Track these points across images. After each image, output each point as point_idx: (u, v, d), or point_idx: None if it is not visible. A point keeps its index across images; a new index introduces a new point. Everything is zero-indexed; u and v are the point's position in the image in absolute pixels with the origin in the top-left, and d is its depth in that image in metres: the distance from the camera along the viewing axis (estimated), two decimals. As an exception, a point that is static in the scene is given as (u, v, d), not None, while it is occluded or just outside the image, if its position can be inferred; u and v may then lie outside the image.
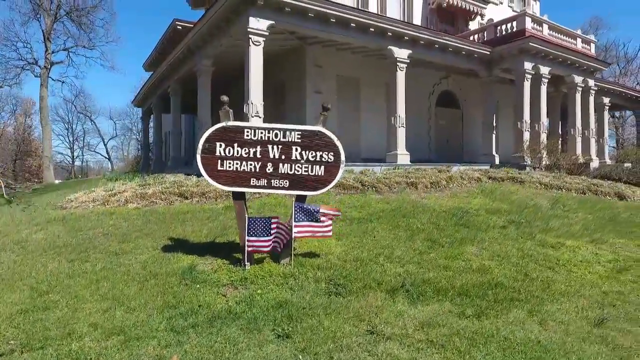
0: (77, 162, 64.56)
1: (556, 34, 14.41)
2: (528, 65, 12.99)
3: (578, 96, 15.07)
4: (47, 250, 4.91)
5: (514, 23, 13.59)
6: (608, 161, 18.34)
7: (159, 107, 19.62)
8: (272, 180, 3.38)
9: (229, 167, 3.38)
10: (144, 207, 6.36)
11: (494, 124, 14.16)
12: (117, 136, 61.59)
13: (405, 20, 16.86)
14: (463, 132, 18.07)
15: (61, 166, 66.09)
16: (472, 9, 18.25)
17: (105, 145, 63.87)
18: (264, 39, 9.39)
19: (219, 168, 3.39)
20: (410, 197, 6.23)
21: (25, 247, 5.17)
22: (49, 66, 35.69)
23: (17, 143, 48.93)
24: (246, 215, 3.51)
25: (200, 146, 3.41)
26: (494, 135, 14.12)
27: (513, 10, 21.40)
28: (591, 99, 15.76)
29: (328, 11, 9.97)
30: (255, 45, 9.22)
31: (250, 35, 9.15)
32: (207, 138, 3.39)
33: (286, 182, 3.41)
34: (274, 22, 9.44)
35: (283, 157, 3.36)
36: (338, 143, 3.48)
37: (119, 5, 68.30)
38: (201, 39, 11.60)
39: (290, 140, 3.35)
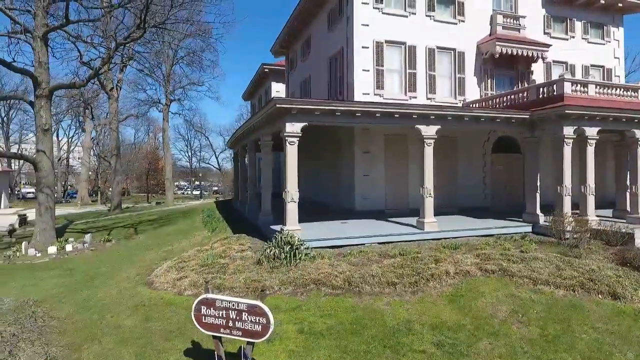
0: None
1: (608, 91, 13.95)
2: (568, 130, 13.00)
3: (640, 151, 14.27)
4: None
5: (555, 87, 13.64)
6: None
7: (243, 152, 23.18)
8: (232, 330, 5.60)
9: (209, 320, 5.71)
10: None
11: (538, 183, 14.25)
12: (225, 149, 70.35)
13: (458, 75, 17.68)
14: (525, 177, 17.99)
15: (182, 169, 78.57)
16: (531, 54, 18.05)
17: (216, 157, 73.56)
18: (298, 138, 11.62)
19: (203, 321, 5.76)
20: (380, 303, 7.86)
21: None
22: (169, 103, 42.82)
23: (147, 161, 58.90)
24: (221, 347, 5.80)
25: (193, 307, 5.83)
26: (538, 195, 14.23)
27: (588, 42, 20.35)
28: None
29: (352, 108, 11.83)
30: (291, 145, 11.53)
31: (286, 137, 11.49)
32: (197, 302, 5.78)
33: (239, 332, 5.59)
34: (307, 123, 11.64)
35: (237, 317, 5.56)
36: (269, 313, 5.50)
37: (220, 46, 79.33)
38: (258, 124, 14.30)
39: (241, 309, 5.52)
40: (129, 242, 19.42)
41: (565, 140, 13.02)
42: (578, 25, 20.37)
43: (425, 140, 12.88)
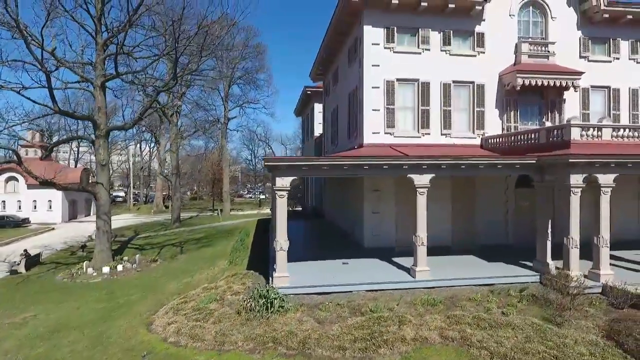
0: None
1: (627, 133, 12.78)
2: (576, 179, 12.19)
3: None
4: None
5: (562, 131, 12.87)
6: None
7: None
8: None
9: None
10: None
11: (549, 230, 13.47)
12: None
13: (477, 109, 17.26)
14: (537, 223, 17.06)
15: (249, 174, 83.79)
16: (559, 84, 16.90)
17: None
18: (288, 191, 12.49)
19: None
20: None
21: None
22: (227, 121, 46.06)
23: (212, 171, 63.46)
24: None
25: None
26: (549, 242, 13.47)
27: (637, 62, 18.53)
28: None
29: (338, 162, 12.40)
30: (280, 197, 12.44)
31: (276, 191, 12.44)
32: None
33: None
34: (295, 177, 12.50)
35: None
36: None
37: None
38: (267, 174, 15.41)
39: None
40: (170, 263, 21.80)
41: (572, 189, 12.27)
42: (624, 44, 18.48)
43: (417, 189, 12.98)
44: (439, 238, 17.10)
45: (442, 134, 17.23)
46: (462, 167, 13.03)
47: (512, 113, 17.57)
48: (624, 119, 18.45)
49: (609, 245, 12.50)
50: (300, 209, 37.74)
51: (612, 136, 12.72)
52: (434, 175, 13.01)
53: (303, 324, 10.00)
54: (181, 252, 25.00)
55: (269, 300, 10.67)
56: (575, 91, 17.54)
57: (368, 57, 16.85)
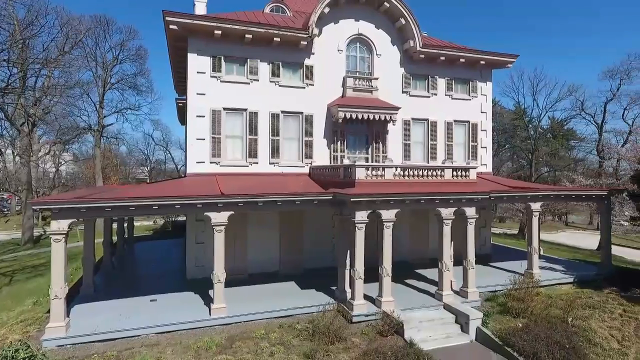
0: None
1: (410, 172, 14.17)
2: (361, 215, 13.14)
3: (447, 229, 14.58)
4: None
5: (350, 171, 13.85)
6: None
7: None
8: None
9: None
10: None
11: (347, 261, 14.38)
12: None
13: (305, 138, 17.85)
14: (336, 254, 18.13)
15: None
16: (378, 117, 18.23)
17: (178, 171, 73.41)
18: (64, 235, 11.70)
19: None
20: None
21: None
22: (101, 129, 42.63)
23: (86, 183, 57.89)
24: None
25: None
26: (347, 271, 14.34)
27: (452, 99, 20.77)
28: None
29: (123, 204, 11.95)
30: (56, 242, 11.61)
31: (50, 235, 11.59)
32: None
33: None
34: (75, 219, 11.77)
35: None
36: None
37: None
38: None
39: None
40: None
41: (357, 225, 13.22)
42: (441, 82, 20.65)
43: (214, 227, 13.02)
44: (267, 265, 17.60)
45: (270, 163, 17.63)
46: (260, 204, 13.38)
47: (338, 143, 18.60)
48: (440, 149, 20.62)
49: (390, 274, 13.73)
50: (170, 228, 36.22)
51: (394, 175, 13.98)
52: (232, 212, 13.16)
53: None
54: (10, 283, 22.41)
55: (14, 361, 9.83)
56: (394, 125, 19.12)
57: (193, 85, 16.61)
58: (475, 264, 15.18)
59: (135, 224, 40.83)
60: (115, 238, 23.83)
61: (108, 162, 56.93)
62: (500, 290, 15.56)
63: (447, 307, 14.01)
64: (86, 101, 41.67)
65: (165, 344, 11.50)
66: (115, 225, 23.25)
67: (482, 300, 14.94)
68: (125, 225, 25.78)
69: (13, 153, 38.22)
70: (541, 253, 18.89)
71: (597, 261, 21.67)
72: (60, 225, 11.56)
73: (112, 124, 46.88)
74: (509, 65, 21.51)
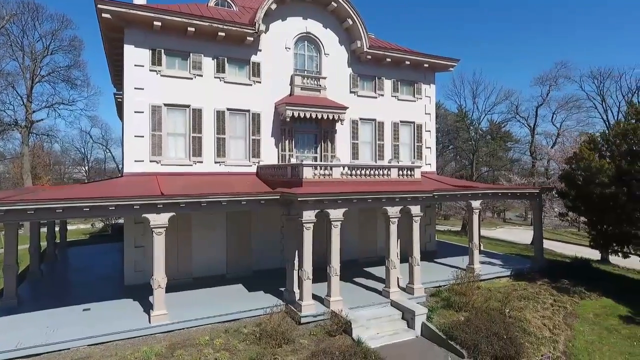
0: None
1: (357, 172, 14.23)
2: (309, 215, 12.96)
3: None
4: None
5: (298, 170, 13.67)
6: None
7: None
8: None
9: None
10: None
11: (295, 261, 14.14)
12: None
13: (252, 137, 17.35)
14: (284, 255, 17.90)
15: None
16: (326, 117, 18.19)
17: (120, 171, 69.13)
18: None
19: None
20: None
21: None
22: (29, 125, 39.15)
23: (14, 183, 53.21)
24: None
25: None
26: (295, 272, 14.09)
27: (398, 100, 21.11)
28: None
29: (51, 205, 10.89)
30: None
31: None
32: None
33: None
34: (-8, 223, 10.52)
35: None
36: None
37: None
38: None
39: None
40: None
41: (304, 224, 13.03)
42: (387, 83, 21.05)
43: (153, 229, 12.25)
44: (214, 267, 16.94)
45: (216, 162, 16.99)
46: (203, 204, 12.80)
47: (287, 142, 18.33)
48: (387, 149, 21.01)
49: (338, 273, 13.68)
50: (110, 231, 34.05)
51: (342, 174, 13.97)
52: (173, 214, 12.46)
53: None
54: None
55: None
56: (342, 124, 19.19)
57: (130, 80, 15.59)
58: (421, 260, 15.59)
59: (70, 227, 37.95)
60: (44, 243, 21.91)
61: (39, 160, 52.40)
62: (444, 286, 16.10)
63: (394, 304, 14.23)
64: (11, 94, 38.03)
65: (98, 356, 10.62)
66: (45, 229, 21.33)
67: (428, 295, 15.37)
68: (57, 229, 23.81)
69: None
70: (481, 248, 19.91)
71: (531, 255, 23.22)
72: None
73: (42, 119, 43.07)
74: (451, 69, 22.39)
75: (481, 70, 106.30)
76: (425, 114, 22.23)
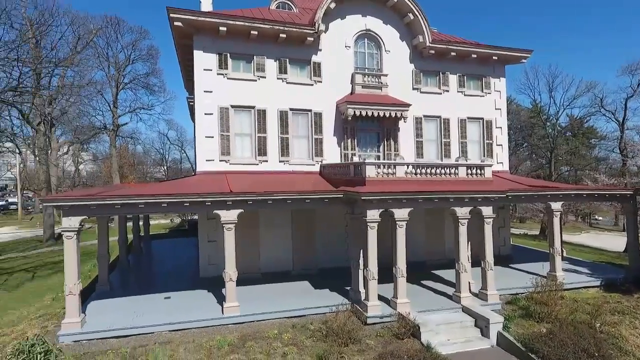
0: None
1: (422, 170, 13.73)
2: (372, 214, 12.72)
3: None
4: None
5: (360, 168, 13.47)
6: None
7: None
8: None
9: None
10: None
11: (361, 261, 13.98)
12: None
13: (315, 136, 17.56)
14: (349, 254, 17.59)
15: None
16: (388, 114, 17.80)
17: (194, 170, 73.93)
18: (76, 232, 11.66)
19: None
20: None
21: None
22: (116, 129, 43.17)
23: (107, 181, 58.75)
24: None
25: None
26: (361, 272, 13.87)
27: (465, 95, 20.22)
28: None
29: (133, 201, 11.85)
30: (68, 239, 11.59)
31: (62, 232, 11.54)
32: None
33: None
34: (86, 216, 11.73)
35: None
36: None
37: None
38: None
39: None
40: (7, 294, 19.63)
41: (368, 224, 12.85)
42: (452, 78, 20.08)
43: (224, 225, 12.83)
44: (280, 264, 17.34)
45: (280, 161, 17.37)
46: (269, 202, 13.14)
47: (349, 141, 18.22)
48: (454, 147, 20.04)
49: (405, 275, 13.30)
50: (186, 227, 36.31)
51: (406, 173, 13.56)
52: (241, 210, 12.95)
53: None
54: (32, 278, 22.73)
55: (30, 356, 9.81)
56: (405, 122, 18.64)
57: (200, 83, 16.48)
58: (495, 265, 14.60)
59: (152, 222, 41.35)
60: (131, 236, 24.00)
61: (125, 161, 57.75)
62: (521, 293, 14.95)
63: (466, 310, 13.49)
64: (100, 101, 42.27)
65: (178, 342, 11.34)
66: (130, 224, 23.38)
67: (503, 303, 14.36)
68: (141, 223, 25.95)
69: (34, 153, 38.90)
70: (564, 255, 18.20)
71: (624, 264, 20.73)
72: (71, 222, 11.52)
73: (126, 123, 47.26)
74: (523, 60, 20.79)
75: (557, 63, 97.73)
76: (495, 109, 20.86)
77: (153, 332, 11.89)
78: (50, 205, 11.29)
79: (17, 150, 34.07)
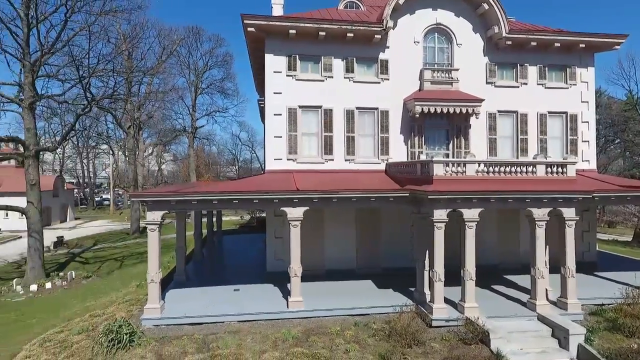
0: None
1: (495, 169, 13.00)
2: (440, 214, 12.42)
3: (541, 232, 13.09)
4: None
5: (427, 167, 13.10)
6: None
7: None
8: None
9: None
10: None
11: (426, 261, 13.68)
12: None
13: (381, 135, 17.50)
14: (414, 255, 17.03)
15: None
16: (459, 111, 17.09)
17: (263, 170, 77.10)
18: (158, 225, 12.83)
19: None
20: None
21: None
22: (194, 131, 46.41)
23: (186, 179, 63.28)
24: None
25: None
26: (426, 273, 13.64)
27: (546, 87, 18.85)
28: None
29: (208, 197, 12.74)
30: (152, 232, 12.79)
31: (148, 225, 12.80)
32: None
33: None
34: (167, 210, 12.87)
35: None
36: None
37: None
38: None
39: None
40: (100, 281, 22.23)
41: (435, 224, 12.54)
42: (532, 70, 18.66)
43: (290, 222, 13.29)
44: (344, 262, 17.49)
45: (346, 160, 17.50)
46: (334, 200, 13.34)
47: (416, 138, 17.80)
48: (532, 144, 18.67)
49: (474, 278, 12.75)
50: (255, 223, 37.95)
51: (477, 171, 12.95)
52: (307, 208, 13.31)
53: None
54: (120, 266, 25.46)
55: (118, 335, 11.01)
56: (477, 118, 17.73)
57: (270, 85, 17.15)
58: (577, 272, 13.40)
59: (224, 218, 43.94)
60: (205, 231, 25.74)
61: (201, 161, 62.02)
62: (609, 304, 13.59)
63: (542, 319, 12.58)
64: (181, 105, 45.76)
65: (246, 332, 12.00)
66: (205, 220, 25.16)
67: (585, 313, 13.15)
68: (214, 219, 27.73)
69: (125, 154, 43.28)
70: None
71: None
72: (154, 216, 12.70)
73: (203, 125, 50.89)
74: (616, 47, 18.68)
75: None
76: (582, 102, 19.02)
77: (223, 322, 12.69)
78: (137, 201, 12.55)
79: (111, 152, 38.16)
